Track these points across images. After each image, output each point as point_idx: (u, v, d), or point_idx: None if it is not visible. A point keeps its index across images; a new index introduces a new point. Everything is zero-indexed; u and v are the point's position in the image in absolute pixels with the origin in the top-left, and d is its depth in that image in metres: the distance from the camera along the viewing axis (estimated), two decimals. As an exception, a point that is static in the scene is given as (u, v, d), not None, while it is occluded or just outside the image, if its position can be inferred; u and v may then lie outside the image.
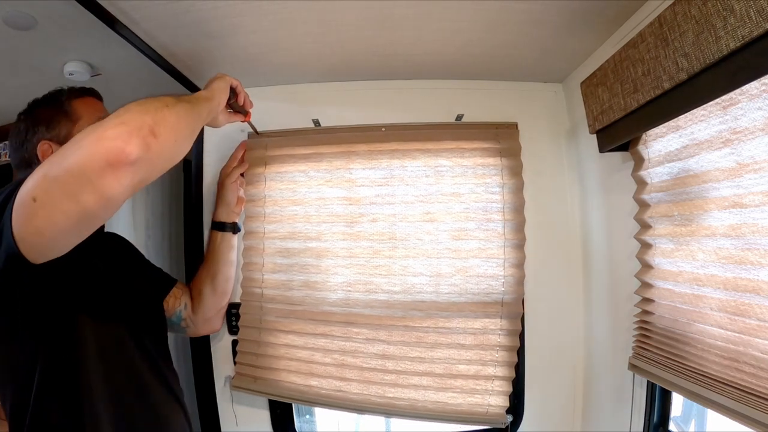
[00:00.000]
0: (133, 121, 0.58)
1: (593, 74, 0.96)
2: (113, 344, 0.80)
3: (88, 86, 0.90)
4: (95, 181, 0.54)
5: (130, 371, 0.82)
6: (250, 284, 1.23)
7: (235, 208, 1.18)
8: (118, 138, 0.55)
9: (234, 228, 1.18)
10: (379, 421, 1.59)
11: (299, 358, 1.21)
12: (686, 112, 0.74)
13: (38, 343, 0.72)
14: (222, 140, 1.25)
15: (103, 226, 0.95)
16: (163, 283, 1.07)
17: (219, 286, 1.14)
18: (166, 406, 0.88)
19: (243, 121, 1.05)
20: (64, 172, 0.54)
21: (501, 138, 1.18)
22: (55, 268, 0.64)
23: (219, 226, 1.17)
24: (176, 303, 1.07)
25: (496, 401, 1.13)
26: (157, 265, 1.10)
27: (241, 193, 1.21)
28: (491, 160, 1.17)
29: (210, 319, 1.15)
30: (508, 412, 1.14)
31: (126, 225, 1.35)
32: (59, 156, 0.56)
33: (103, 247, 0.92)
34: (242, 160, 1.21)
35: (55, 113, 0.82)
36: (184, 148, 0.68)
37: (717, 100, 0.68)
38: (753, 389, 0.66)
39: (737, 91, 0.65)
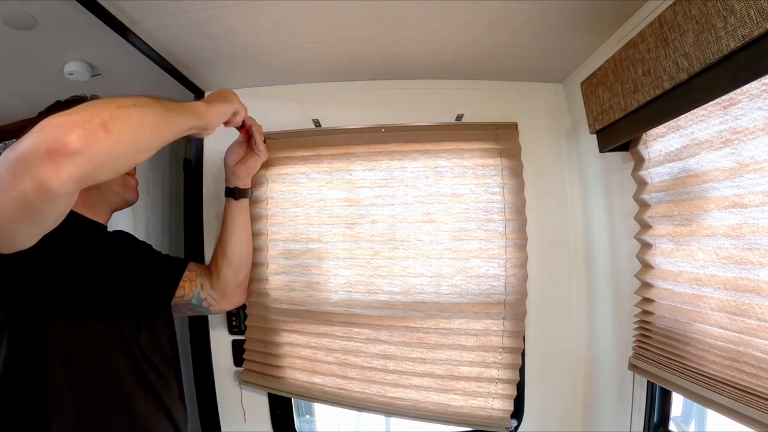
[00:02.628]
0: (86, 113, 0.55)
1: (593, 74, 0.96)
2: (91, 349, 0.78)
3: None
4: (34, 169, 0.51)
5: (110, 379, 0.79)
6: (256, 285, 1.23)
7: (235, 168, 1.08)
8: (62, 126, 0.52)
9: (234, 193, 1.09)
10: (379, 421, 1.60)
11: (303, 356, 1.22)
12: (686, 112, 0.73)
13: (3, 337, 0.71)
14: (222, 140, 1.25)
15: (105, 227, 0.95)
16: (172, 272, 1.03)
17: (233, 257, 1.09)
18: (151, 419, 0.84)
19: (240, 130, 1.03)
20: (13, 157, 0.52)
21: (501, 138, 1.17)
22: (25, 263, 0.62)
23: (225, 193, 1.11)
24: (192, 286, 1.04)
25: (500, 405, 1.13)
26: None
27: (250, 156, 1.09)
28: (491, 161, 1.17)
29: (230, 295, 1.12)
30: (511, 415, 1.13)
31: (126, 225, 1.34)
32: (18, 141, 0.54)
33: (107, 246, 0.91)
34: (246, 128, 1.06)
35: None
36: (144, 152, 0.64)
37: (717, 100, 0.68)
38: (753, 389, 0.66)
39: (737, 91, 0.65)
